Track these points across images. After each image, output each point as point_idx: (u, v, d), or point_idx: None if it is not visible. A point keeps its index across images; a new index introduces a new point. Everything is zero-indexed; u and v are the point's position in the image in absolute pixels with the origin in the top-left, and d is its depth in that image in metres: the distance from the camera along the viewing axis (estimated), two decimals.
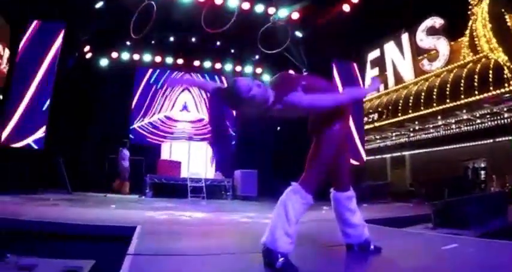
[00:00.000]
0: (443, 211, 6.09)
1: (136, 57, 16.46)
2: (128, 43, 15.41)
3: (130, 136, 16.20)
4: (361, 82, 14.10)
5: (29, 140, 10.27)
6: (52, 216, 5.14)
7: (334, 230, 3.37)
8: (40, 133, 10.35)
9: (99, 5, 12.46)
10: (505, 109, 13.54)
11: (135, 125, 16.64)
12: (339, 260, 3.19)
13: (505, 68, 12.39)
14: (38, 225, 4.42)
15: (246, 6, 13.05)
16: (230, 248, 3.45)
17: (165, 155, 14.56)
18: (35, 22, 10.80)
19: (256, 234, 3.90)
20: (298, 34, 14.22)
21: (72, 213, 5.93)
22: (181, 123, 17.21)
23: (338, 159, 3.12)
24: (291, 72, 2.98)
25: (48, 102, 10.60)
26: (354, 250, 3.22)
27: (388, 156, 20.12)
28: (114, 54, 16.12)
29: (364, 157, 13.59)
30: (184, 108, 17.46)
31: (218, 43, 15.95)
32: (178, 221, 5.74)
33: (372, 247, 3.21)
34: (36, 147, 10.26)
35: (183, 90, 17.42)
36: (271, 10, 13.24)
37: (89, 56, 15.09)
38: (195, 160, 14.72)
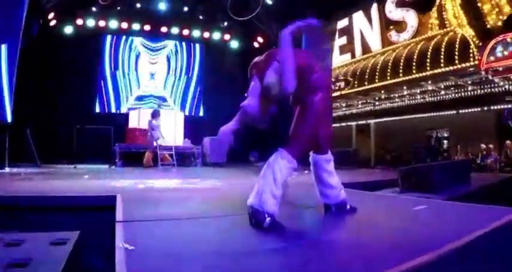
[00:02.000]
0: (410, 176, 6.40)
1: (102, 24, 15.99)
2: (94, 9, 14.84)
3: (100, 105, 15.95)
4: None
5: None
6: (30, 190, 5.16)
7: (312, 193, 3.58)
8: (6, 105, 10.02)
9: None
10: (469, 82, 13.97)
11: (103, 94, 16.32)
12: (318, 219, 3.42)
13: (472, 42, 12.70)
14: (17, 200, 4.41)
15: None
16: (212, 211, 3.57)
17: (133, 123, 14.36)
18: None
19: (232, 199, 4.20)
20: (268, 1, 14.06)
21: (48, 186, 5.91)
22: (148, 91, 17.00)
23: (320, 126, 3.27)
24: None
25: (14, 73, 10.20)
26: (331, 210, 3.46)
27: (353, 123, 20.49)
28: (80, 21, 15.56)
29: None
30: (152, 76, 17.22)
31: (186, 8, 15.57)
32: (154, 189, 5.78)
33: (348, 207, 3.49)
34: (3, 119, 9.96)
35: (153, 63, 17.15)
36: None
37: (53, 23, 14.47)
38: (164, 128, 14.62)
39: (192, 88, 17.80)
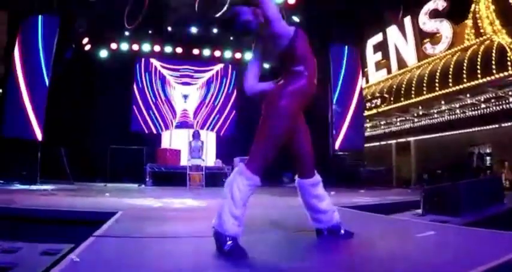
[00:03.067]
0: (433, 196, 5.95)
1: (135, 47, 16.49)
2: (127, 33, 15.33)
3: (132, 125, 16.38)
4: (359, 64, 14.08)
5: (29, 130, 10.42)
6: (45, 204, 5.32)
7: (304, 216, 3.25)
8: (39, 123, 10.51)
9: None
10: (510, 93, 13.22)
11: (137, 115, 16.73)
12: (300, 245, 3.07)
13: (509, 50, 12.07)
14: (21, 212, 4.65)
15: None
16: (202, 231, 3.42)
17: (165, 143, 14.59)
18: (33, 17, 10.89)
19: None
20: (295, 19, 13.97)
21: (64, 201, 6.07)
22: (181, 112, 17.26)
23: (297, 143, 2.99)
24: None
25: (46, 93, 10.73)
26: (323, 234, 3.10)
27: (393, 141, 19.92)
28: (114, 45, 16.15)
29: (359, 142, 13.43)
30: (185, 97, 17.49)
31: (215, 30, 15.78)
32: (162, 207, 5.71)
33: (342, 231, 3.08)
34: (35, 138, 10.38)
35: (184, 83, 17.47)
36: None
37: (88, 47, 15.09)
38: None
39: (224, 109, 17.89)
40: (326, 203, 3.10)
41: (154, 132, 16.59)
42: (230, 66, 17.91)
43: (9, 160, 10.09)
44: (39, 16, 10.90)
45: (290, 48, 2.88)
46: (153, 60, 17.23)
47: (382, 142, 20.19)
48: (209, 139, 14.78)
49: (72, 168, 12.10)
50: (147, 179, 12.36)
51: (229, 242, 2.48)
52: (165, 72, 17.37)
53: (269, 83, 3.02)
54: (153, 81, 17.22)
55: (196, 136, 11.98)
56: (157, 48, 16.68)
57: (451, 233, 3.69)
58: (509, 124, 13.68)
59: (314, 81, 2.95)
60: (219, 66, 17.90)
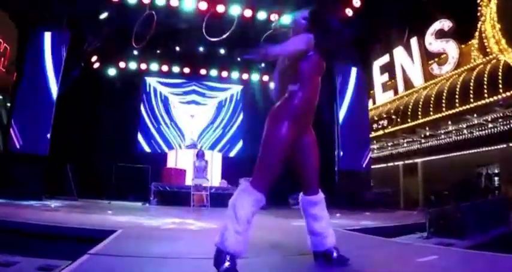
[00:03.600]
0: (438, 219, 5.86)
1: (143, 66, 16.66)
2: (135, 52, 15.54)
3: (138, 144, 16.46)
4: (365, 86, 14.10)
5: (35, 146, 10.50)
6: (41, 219, 5.25)
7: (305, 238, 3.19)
8: (45, 139, 10.58)
9: (103, 15, 12.62)
10: None
11: (143, 133, 16.83)
12: (296, 269, 3.01)
13: None
14: (21, 226, 4.64)
15: (248, 13, 13.05)
16: (194, 252, 3.41)
17: (171, 163, 14.58)
18: (43, 33, 11.08)
19: None
20: None
21: (65, 218, 6.05)
22: (188, 131, 17.32)
23: (302, 158, 2.98)
24: None
25: (53, 110, 10.82)
26: (319, 259, 3.04)
27: (400, 163, 19.76)
28: (122, 64, 16.34)
29: (365, 163, 13.31)
30: (192, 117, 17.58)
31: (222, 51, 15.94)
32: (164, 227, 5.66)
33: (334, 256, 2.97)
34: (42, 153, 10.48)
35: (190, 101, 17.60)
36: (273, 17, 13.19)
37: (96, 65, 15.31)
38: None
39: (231, 129, 17.94)
40: (321, 225, 3.03)
41: (160, 151, 16.61)
42: (241, 89, 18.06)
43: (15, 175, 10.10)
44: (49, 32, 11.06)
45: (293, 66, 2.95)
46: (157, 80, 17.38)
47: (389, 164, 20.04)
48: (215, 159, 14.75)
49: (77, 184, 12.11)
50: (151, 198, 12.29)
51: (226, 264, 2.45)
52: (170, 92, 17.49)
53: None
54: (159, 101, 17.36)
55: (200, 156, 11.80)
56: (165, 67, 16.85)
57: (455, 257, 3.61)
58: None
59: (311, 102, 2.93)
60: (234, 90, 18.04)
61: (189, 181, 13.14)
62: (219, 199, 12.54)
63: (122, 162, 14.07)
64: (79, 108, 14.08)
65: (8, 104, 12.02)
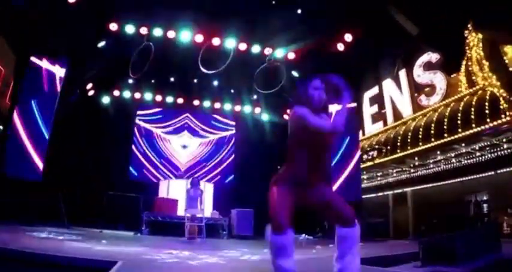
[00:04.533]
0: (431, 248, 5.99)
1: (137, 95, 16.84)
2: (130, 81, 15.74)
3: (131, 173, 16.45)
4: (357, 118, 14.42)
5: (27, 172, 10.53)
6: (33, 247, 5.20)
7: None
8: (38, 165, 10.60)
9: (101, 44, 12.88)
10: (504, 140, 13.43)
11: (135, 162, 16.83)
12: None
13: (501, 98, 12.41)
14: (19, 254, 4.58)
15: (242, 47, 13.42)
16: None
17: (162, 193, 14.57)
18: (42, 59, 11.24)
19: None
20: (295, 74, 14.43)
21: (60, 246, 6.02)
22: (180, 162, 17.38)
23: (329, 209, 3.22)
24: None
25: (47, 136, 10.88)
26: None
27: (390, 192, 19.86)
28: (116, 92, 16.51)
29: (361, 194, 13.50)
30: (184, 147, 17.69)
31: (216, 83, 16.23)
32: (163, 259, 5.63)
33: None
34: (35, 179, 10.53)
35: (182, 130, 17.74)
36: (267, 51, 13.57)
37: (91, 93, 15.46)
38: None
39: (224, 161, 18.06)
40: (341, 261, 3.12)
41: (152, 180, 16.57)
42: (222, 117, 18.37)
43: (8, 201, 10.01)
44: (47, 60, 11.24)
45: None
46: (147, 119, 17.60)
47: (379, 194, 20.14)
48: (207, 190, 14.77)
49: (68, 211, 11.99)
50: (143, 228, 12.23)
51: None
52: (158, 125, 17.67)
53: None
54: (153, 129, 17.50)
55: (195, 184, 11.14)
56: (158, 97, 17.04)
57: None
58: (505, 170, 13.79)
59: (305, 172, 3.14)
60: (205, 115, 18.25)
61: (181, 211, 13.10)
62: (211, 231, 12.51)
63: (113, 190, 14.00)
64: (73, 136, 14.19)
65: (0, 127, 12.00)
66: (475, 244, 6.21)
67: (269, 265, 2.93)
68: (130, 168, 16.73)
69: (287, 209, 3.03)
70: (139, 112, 17.46)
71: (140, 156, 17.01)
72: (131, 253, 5.97)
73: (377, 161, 17.55)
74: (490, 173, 14.27)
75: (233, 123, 18.44)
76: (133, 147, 17.01)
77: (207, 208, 13.92)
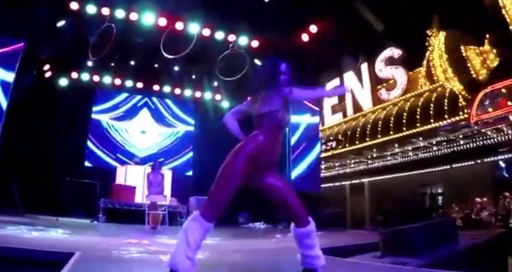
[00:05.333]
0: (391, 239, 6.11)
1: (96, 78, 16.19)
2: (90, 64, 15.13)
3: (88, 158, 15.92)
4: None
5: None
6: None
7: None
8: None
9: (60, 23, 12.26)
10: (461, 136, 13.96)
11: (92, 148, 16.28)
12: None
13: (460, 96, 12.85)
14: None
15: (206, 32, 13.17)
16: None
17: (120, 179, 14.15)
18: None
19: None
20: (258, 62, 14.31)
21: (14, 237, 5.74)
22: (137, 149, 17.01)
23: (279, 198, 3.23)
24: None
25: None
26: None
27: (347, 183, 20.27)
28: (74, 75, 15.81)
29: (320, 185, 13.68)
30: (142, 132, 17.29)
31: (177, 68, 15.88)
32: (123, 248, 5.47)
33: None
34: None
35: (141, 113, 17.33)
36: (231, 37, 13.37)
37: (48, 74, 14.75)
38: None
39: (181, 147, 17.80)
40: (314, 251, 3.29)
41: (110, 166, 16.06)
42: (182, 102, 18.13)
43: None
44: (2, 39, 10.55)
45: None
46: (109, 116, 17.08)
47: (336, 183, 20.49)
48: (165, 177, 14.49)
49: (22, 198, 11.44)
50: (100, 215, 11.85)
51: None
52: (117, 111, 17.18)
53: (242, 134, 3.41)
54: (111, 113, 16.96)
55: (156, 167, 10.39)
56: (118, 81, 16.48)
57: None
58: (460, 165, 14.37)
59: (270, 148, 3.19)
60: (164, 101, 17.95)
61: (138, 198, 12.82)
62: (169, 218, 12.23)
63: (69, 177, 13.51)
64: (28, 119, 13.48)
65: None
66: (435, 235, 6.41)
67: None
68: (87, 154, 16.15)
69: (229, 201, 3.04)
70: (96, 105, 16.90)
71: (97, 142, 16.44)
72: (89, 243, 5.75)
73: (336, 151, 17.82)
74: (445, 167, 14.84)
75: (193, 121, 18.26)
76: (90, 132, 16.40)
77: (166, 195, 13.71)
